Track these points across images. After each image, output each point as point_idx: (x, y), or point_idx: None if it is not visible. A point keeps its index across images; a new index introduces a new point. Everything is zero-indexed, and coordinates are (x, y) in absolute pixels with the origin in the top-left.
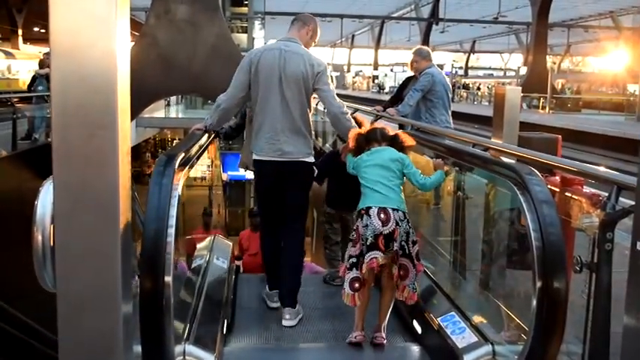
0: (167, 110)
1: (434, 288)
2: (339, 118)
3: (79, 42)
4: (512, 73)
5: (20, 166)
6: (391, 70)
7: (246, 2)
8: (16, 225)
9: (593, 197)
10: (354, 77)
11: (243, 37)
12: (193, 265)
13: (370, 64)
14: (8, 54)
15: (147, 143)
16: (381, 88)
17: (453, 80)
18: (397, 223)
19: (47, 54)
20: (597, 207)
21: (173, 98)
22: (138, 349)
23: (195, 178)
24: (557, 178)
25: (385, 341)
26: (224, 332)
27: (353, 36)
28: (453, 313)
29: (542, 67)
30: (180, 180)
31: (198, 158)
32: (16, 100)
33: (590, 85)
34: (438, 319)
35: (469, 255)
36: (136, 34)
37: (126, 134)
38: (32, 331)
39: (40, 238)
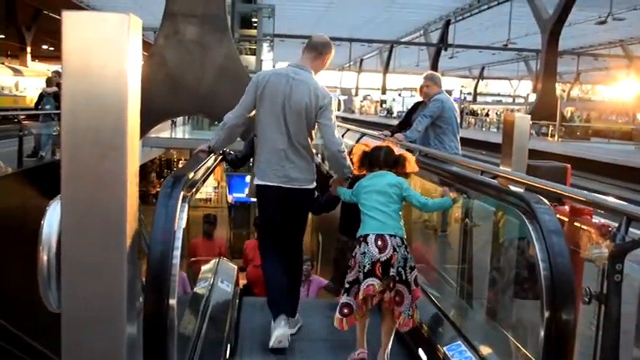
0: (174, 131)
1: (440, 316)
2: (335, 156)
3: (91, 62)
4: (521, 100)
5: (25, 184)
6: (399, 95)
7: (255, 24)
8: (19, 242)
9: (603, 228)
10: (361, 101)
11: (252, 59)
12: (197, 288)
13: (378, 89)
14: (16, 71)
15: (152, 163)
16: (389, 112)
17: (462, 106)
18: (394, 249)
19: (55, 72)
20: (607, 237)
21: (180, 119)
22: None
23: (200, 200)
24: (567, 207)
25: None
26: (227, 356)
27: (361, 60)
28: (459, 342)
29: (551, 95)
30: (187, 202)
31: (205, 180)
32: (22, 117)
33: (599, 113)
34: (444, 347)
35: (476, 283)
36: (145, 54)
37: (135, 155)
38: (35, 351)
39: (45, 257)
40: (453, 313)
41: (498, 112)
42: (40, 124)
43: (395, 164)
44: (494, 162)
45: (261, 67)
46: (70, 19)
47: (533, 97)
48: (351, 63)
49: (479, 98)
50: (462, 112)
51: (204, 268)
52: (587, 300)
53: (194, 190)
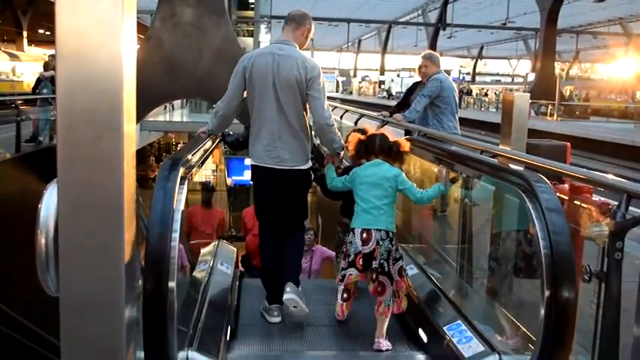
0: (171, 114)
1: (440, 296)
2: (324, 129)
3: (85, 44)
4: (520, 80)
5: (24, 169)
6: (398, 76)
7: (252, 6)
8: (18, 227)
9: (603, 206)
10: (360, 82)
11: (249, 40)
12: (197, 271)
13: (377, 69)
14: (13, 56)
15: (151, 147)
16: (389, 94)
17: (461, 86)
18: (378, 243)
19: (52, 56)
20: (607, 215)
21: (177, 102)
22: (141, 354)
23: (199, 183)
24: (566, 185)
25: (385, 347)
26: (227, 339)
27: (360, 41)
28: (459, 321)
29: (550, 74)
30: (185, 184)
31: (203, 163)
32: (20, 102)
33: (598, 92)
34: (444, 327)
35: (476, 263)
36: (142, 37)
37: (131, 137)
38: (34, 335)
39: (43, 241)
40: (453, 293)
41: (497, 92)
42: (37, 108)
43: (390, 150)
44: (494, 142)
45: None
46: (63, 0)
47: (532, 77)
48: (349, 44)
49: (477, 78)
50: (461, 92)
51: (203, 250)
52: (587, 278)
53: (192, 171)
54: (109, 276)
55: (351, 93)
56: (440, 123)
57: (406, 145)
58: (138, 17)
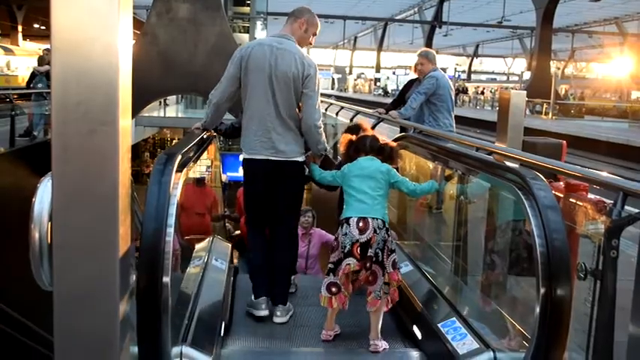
0: (166, 109)
1: (434, 293)
2: (311, 130)
3: (81, 36)
4: (516, 78)
5: (18, 163)
6: (393, 73)
7: (248, 2)
8: (12, 222)
9: (599, 203)
10: (355, 79)
11: (245, 36)
12: (192, 266)
13: (372, 67)
14: (8, 50)
15: (146, 142)
16: (385, 92)
17: (457, 84)
18: (375, 231)
19: (47, 50)
20: (603, 213)
21: (172, 98)
22: (134, 349)
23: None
24: (562, 183)
25: (381, 348)
26: (221, 334)
27: (355, 38)
28: (454, 318)
29: (545, 73)
30: (180, 179)
31: (198, 157)
32: (15, 96)
33: (593, 91)
34: (439, 324)
35: (471, 260)
36: (138, 32)
37: (126, 131)
38: (28, 330)
39: (37, 235)
40: (448, 290)
41: (492, 90)
42: (32, 103)
43: (381, 150)
44: (489, 140)
45: None
46: None
47: (527, 75)
48: (345, 41)
49: (473, 76)
50: (457, 90)
51: (198, 246)
52: (582, 276)
53: (187, 167)
54: (104, 270)
55: (346, 90)
56: (436, 120)
57: (397, 150)
58: (134, 13)
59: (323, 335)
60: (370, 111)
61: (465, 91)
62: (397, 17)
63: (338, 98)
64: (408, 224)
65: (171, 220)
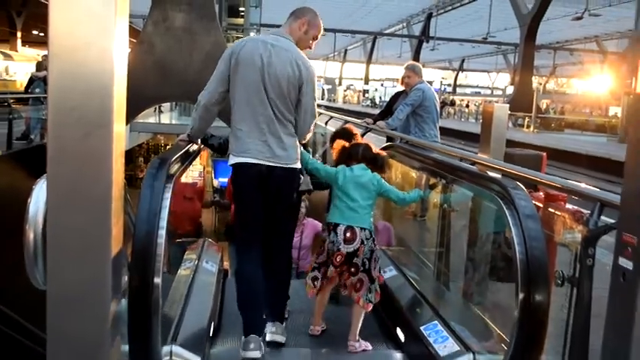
0: (160, 116)
1: (418, 297)
2: (303, 135)
3: (77, 42)
4: (499, 92)
5: (14, 166)
6: (382, 85)
7: (242, 14)
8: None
9: (577, 213)
10: (345, 90)
11: None
12: (182, 269)
13: (361, 79)
14: (6, 56)
15: (140, 148)
16: (373, 103)
17: (443, 97)
18: (362, 242)
19: (45, 57)
20: (580, 223)
21: (167, 105)
22: (125, 348)
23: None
24: (541, 193)
25: (360, 349)
26: (211, 335)
27: (346, 50)
28: (435, 322)
29: (528, 87)
30: (171, 183)
31: (190, 163)
32: (12, 101)
33: (574, 106)
34: (421, 327)
35: (453, 266)
36: (134, 40)
37: (120, 135)
38: (22, 328)
39: (31, 235)
40: (431, 295)
41: (477, 104)
42: (29, 107)
43: (374, 160)
44: (473, 152)
45: None
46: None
47: (510, 90)
48: (336, 53)
49: (458, 90)
50: (443, 103)
51: (189, 248)
52: (559, 282)
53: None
54: (96, 270)
55: (336, 101)
56: (421, 131)
57: (387, 159)
58: (130, 22)
59: (311, 330)
60: (358, 121)
61: (452, 103)
62: (386, 31)
63: (328, 108)
64: (394, 230)
65: (163, 223)
